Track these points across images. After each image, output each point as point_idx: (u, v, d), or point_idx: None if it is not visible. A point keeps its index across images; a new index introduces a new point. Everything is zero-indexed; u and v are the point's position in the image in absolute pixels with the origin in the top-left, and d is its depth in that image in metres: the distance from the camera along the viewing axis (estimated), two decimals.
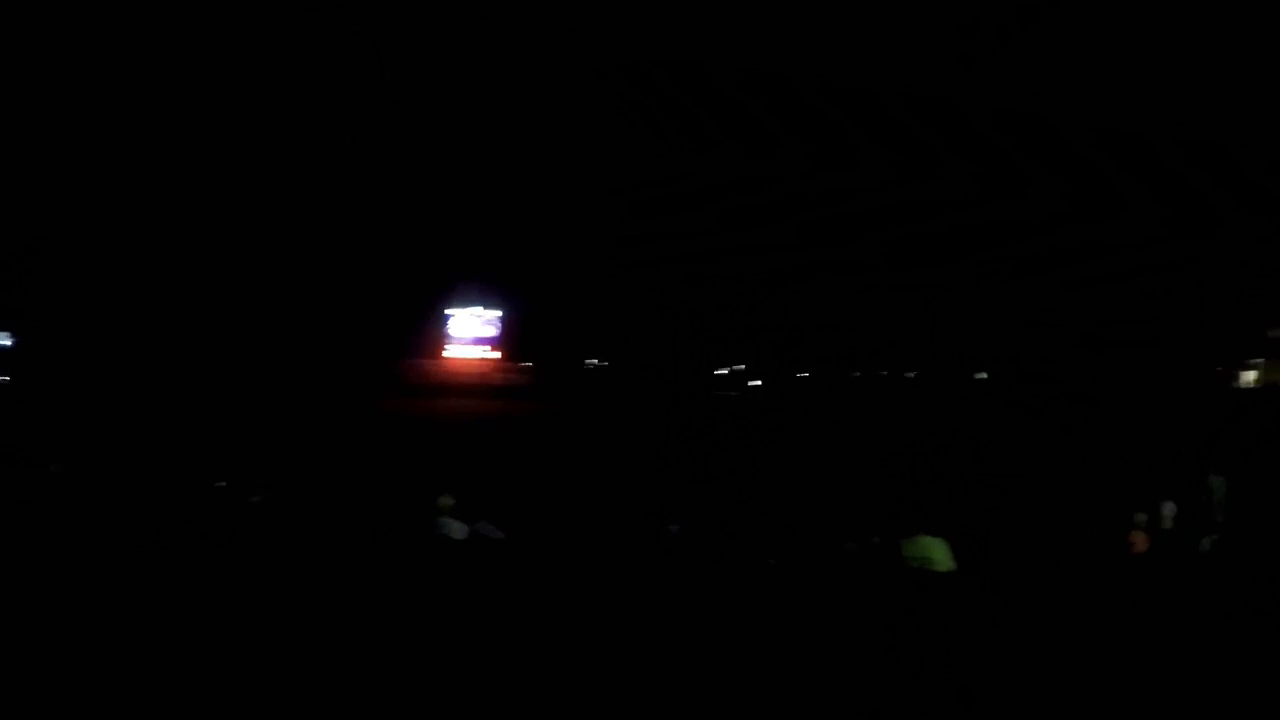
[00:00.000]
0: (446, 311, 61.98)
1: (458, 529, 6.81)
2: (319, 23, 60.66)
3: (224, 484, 9.02)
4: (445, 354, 61.47)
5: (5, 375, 54.41)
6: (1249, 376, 55.05)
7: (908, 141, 69.88)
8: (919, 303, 65.14)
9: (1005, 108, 63.06)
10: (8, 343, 58.17)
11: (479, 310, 62.50)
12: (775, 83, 66.07)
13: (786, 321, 65.60)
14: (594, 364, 62.82)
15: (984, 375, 59.42)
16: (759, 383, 59.99)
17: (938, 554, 5.25)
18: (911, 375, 61.11)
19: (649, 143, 66.03)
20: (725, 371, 62.02)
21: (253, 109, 60.16)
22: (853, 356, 64.74)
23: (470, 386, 56.49)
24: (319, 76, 62.02)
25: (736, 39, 70.13)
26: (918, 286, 65.65)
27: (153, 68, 56.57)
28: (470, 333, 62.29)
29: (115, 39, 55.25)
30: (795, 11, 68.21)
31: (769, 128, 70.15)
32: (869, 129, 67.45)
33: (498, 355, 62.38)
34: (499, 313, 62.54)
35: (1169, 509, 9.66)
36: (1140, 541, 7.91)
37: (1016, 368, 59.95)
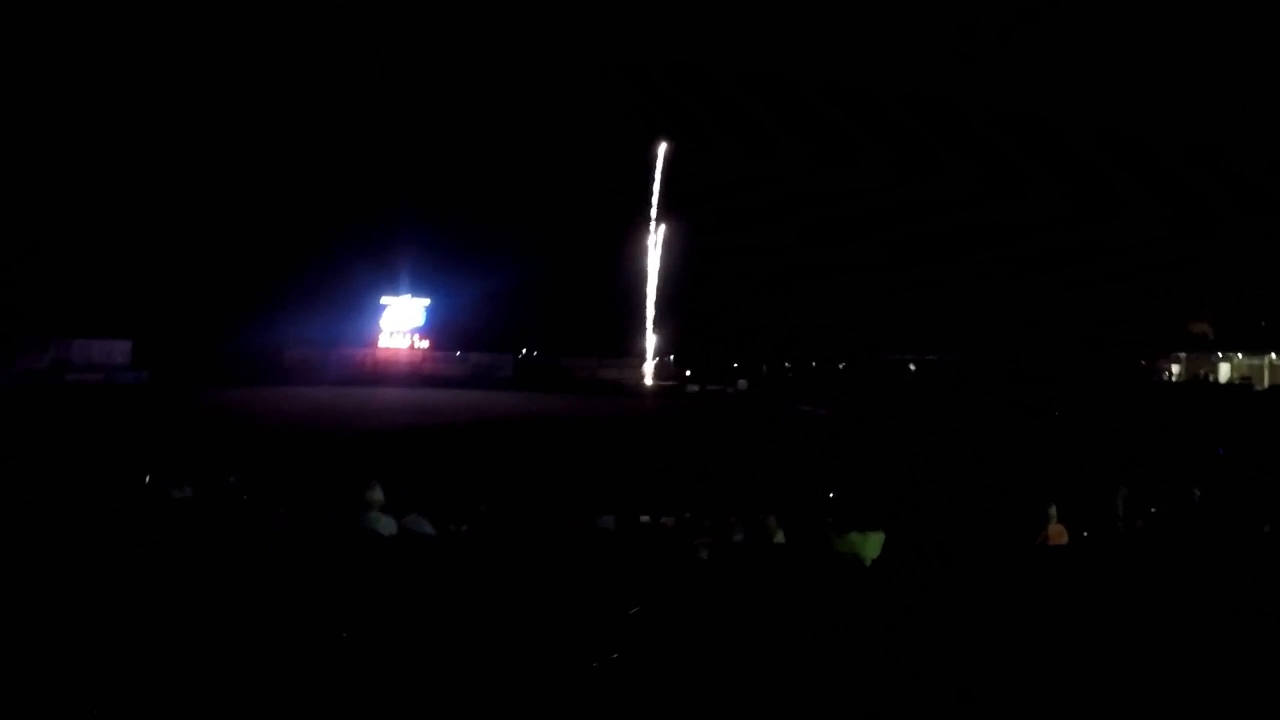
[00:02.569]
0: (381, 301, 61.81)
1: (386, 524, 6.76)
2: (319, 23, 60.87)
3: (150, 478, 8.93)
4: (379, 343, 61.18)
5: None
6: (1174, 369, 55.32)
7: (908, 141, 70.07)
8: (919, 303, 65.06)
9: (1005, 108, 63.14)
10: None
11: (410, 299, 62.24)
12: (775, 83, 66.24)
13: (786, 321, 65.47)
14: (526, 353, 63.72)
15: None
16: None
17: (868, 548, 5.23)
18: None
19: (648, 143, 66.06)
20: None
21: (253, 108, 60.48)
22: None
23: (401, 375, 56.54)
24: (319, 76, 62.29)
25: (736, 39, 70.30)
26: (918, 286, 65.60)
27: (153, 67, 56.85)
28: (402, 322, 62.00)
29: (116, 39, 55.52)
30: (795, 11, 68.34)
31: (769, 128, 70.39)
32: (869, 129, 67.63)
33: (427, 344, 62.25)
34: (428, 301, 62.40)
35: (1123, 494, 9.68)
36: (1057, 534, 7.93)
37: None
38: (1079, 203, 64.02)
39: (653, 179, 62.85)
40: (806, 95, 67.46)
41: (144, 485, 9.09)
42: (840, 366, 61.68)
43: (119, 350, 49.34)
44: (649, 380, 60.76)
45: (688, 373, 61.36)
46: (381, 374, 56.64)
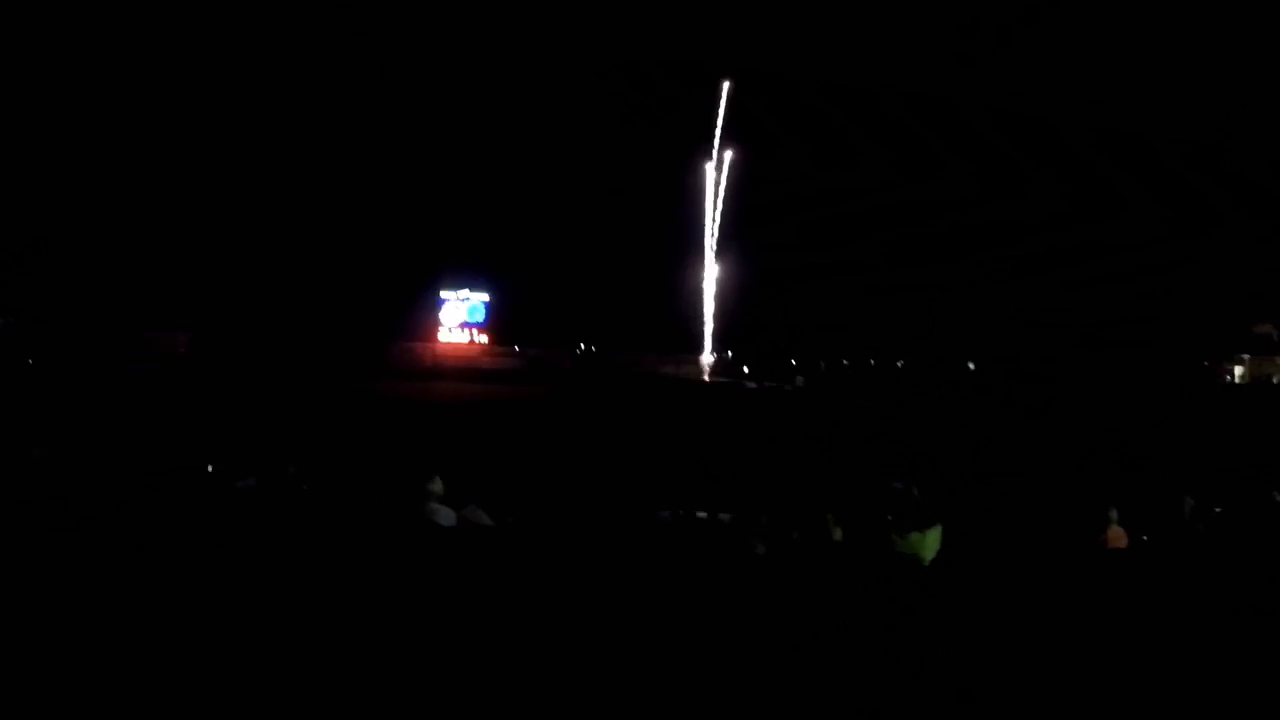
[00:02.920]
0: (440, 296, 62.69)
1: (446, 515, 6.74)
2: (319, 23, 60.81)
3: (213, 467, 8.93)
4: (437, 337, 62.10)
5: None
6: (1238, 371, 54.89)
7: (908, 141, 70.01)
8: (919, 303, 65.01)
9: (1005, 108, 63.20)
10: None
11: (469, 294, 63.15)
12: (775, 83, 66.20)
13: (786, 321, 65.33)
14: (585, 348, 63.48)
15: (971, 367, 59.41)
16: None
17: (927, 545, 5.17)
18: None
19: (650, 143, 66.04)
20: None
21: (253, 108, 60.38)
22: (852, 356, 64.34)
23: (460, 369, 56.39)
24: (319, 76, 62.24)
25: (736, 39, 70.29)
26: (918, 286, 65.53)
27: (154, 67, 56.76)
28: (461, 317, 62.99)
29: (116, 38, 55.44)
30: (795, 12, 68.37)
31: (769, 128, 70.28)
32: (869, 129, 67.63)
33: (486, 339, 62.93)
34: (487, 296, 63.17)
35: (1189, 504, 9.55)
36: (1116, 537, 7.83)
37: (1016, 367, 59.72)
38: (1079, 203, 64.12)
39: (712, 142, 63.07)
40: (806, 95, 67.49)
41: (208, 476, 9.09)
42: (898, 364, 61.63)
43: (179, 341, 49.75)
44: (707, 376, 60.94)
45: (745, 369, 61.42)
46: (441, 368, 56.97)
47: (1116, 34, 58.24)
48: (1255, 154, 57.09)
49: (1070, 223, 64.38)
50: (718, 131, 62.89)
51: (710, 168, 63.02)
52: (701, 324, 64.20)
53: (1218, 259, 58.84)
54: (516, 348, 61.89)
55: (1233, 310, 55.80)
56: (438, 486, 7.34)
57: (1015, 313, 62.73)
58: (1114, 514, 8.16)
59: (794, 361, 60.72)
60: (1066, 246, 63.73)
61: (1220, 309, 56.13)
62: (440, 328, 62.70)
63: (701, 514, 8.73)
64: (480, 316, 63.40)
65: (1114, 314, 60.16)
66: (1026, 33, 61.99)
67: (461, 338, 62.77)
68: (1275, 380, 51.80)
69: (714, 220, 63.62)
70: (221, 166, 57.86)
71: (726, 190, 63.10)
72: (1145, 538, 8.29)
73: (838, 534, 7.97)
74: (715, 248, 64.12)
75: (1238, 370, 54.76)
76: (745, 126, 64.64)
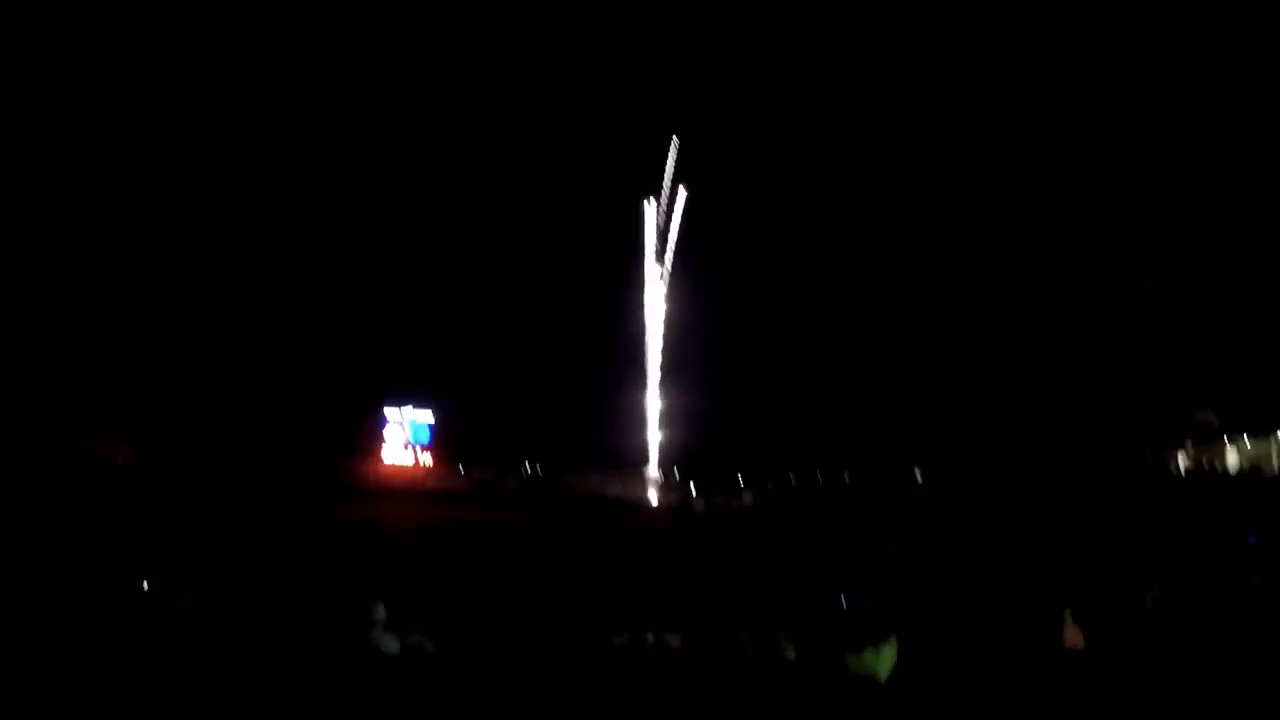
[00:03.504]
0: (384, 414, 61.14)
1: (390, 643, 6.78)
2: (319, 23, 60.65)
3: (149, 584, 8.89)
4: (381, 457, 60.64)
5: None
6: (1182, 459, 55.28)
7: (908, 141, 69.62)
8: (919, 303, 64.95)
9: (1005, 108, 62.83)
10: None
11: (413, 412, 61.70)
12: (775, 83, 65.88)
13: (786, 321, 65.32)
14: (530, 468, 62.36)
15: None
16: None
17: (882, 663, 5.18)
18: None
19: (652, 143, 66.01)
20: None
21: (253, 109, 60.29)
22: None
23: (405, 491, 55.63)
24: (320, 76, 62.08)
25: (736, 39, 69.85)
26: (918, 286, 65.41)
27: (153, 68, 56.68)
28: (405, 437, 61.61)
29: (115, 38, 55.37)
30: (795, 12, 67.94)
31: (770, 128, 69.93)
32: (869, 129, 67.25)
33: (431, 459, 61.40)
34: (432, 416, 61.60)
35: (1153, 594, 9.48)
36: (1072, 637, 7.80)
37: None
38: (1079, 203, 63.85)
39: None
40: (806, 95, 67.25)
41: (143, 592, 9.18)
42: (845, 476, 61.36)
43: (116, 452, 48.69)
44: (653, 494, 61.00)
45: (692, 486, 61.61)
46: (385, 489, 56.19)
47: (1116, 34, 57.84)
48: (1255, 154, 56.85)
49: (1070, 223, 64.21)
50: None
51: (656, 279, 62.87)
52: (647, 441, 63.70)
53: (1218, 259, 58.81)
54: (460, 468, 61.25)
55: (1174, 399, 55.78)
56: (382, 613, 7.42)
57: (1015, 313, 62.74)
58: (1067, 614, 8.11)
59: (741, 477, 60.21)
60: (1066, 246, 63.59)
61: (1163, 398, 56.06)
62: (384, 447, 61.74)
63: (650, 637, 8.77)
64: (425, 436, 62.24)
65: (1114, 314, 60.19)
66: (1026, 33, 61.48)
67: (406, 458, 61.77)
68: (1218, 468, 51.85)
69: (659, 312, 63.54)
70: (151, 257, 56.78)
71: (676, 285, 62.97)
72: (1101, 634, 8.29)
73: (790, 653, 8.04)
74: (662, 361, 64.05)
75: (1181, 458, 54.82)
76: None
